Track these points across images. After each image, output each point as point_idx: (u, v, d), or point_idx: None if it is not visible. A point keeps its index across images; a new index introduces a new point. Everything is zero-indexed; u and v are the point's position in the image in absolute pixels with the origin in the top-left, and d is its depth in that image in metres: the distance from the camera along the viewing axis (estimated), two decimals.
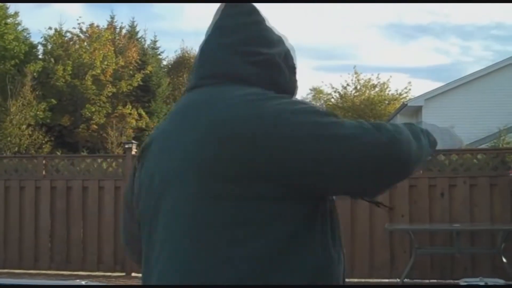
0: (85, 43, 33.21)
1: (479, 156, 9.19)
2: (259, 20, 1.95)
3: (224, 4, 1.95)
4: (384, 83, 44.51)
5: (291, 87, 1.94)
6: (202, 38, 1.99)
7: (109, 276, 9.74)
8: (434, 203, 8.97)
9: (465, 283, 8.19)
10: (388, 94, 44.36)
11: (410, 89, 45.25)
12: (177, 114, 1.85)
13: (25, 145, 27.15)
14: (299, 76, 2.02)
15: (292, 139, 1.62)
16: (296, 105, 1.72)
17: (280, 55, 1.91)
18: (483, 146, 19.77)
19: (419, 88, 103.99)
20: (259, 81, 1.82)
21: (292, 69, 1.96)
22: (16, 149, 26.50)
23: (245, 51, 1.85)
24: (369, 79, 44.95)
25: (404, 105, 30.57)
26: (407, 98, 38.32)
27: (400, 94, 43.53)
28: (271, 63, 1.87)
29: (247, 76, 1.82)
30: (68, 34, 33.54)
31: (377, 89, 44.65)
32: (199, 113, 1.74)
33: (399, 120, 31.56)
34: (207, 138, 1.66)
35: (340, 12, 78.20)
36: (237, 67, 1.83)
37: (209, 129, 1.67)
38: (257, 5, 2.00)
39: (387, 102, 43.68)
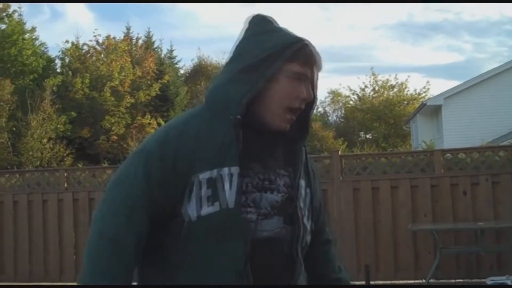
0: (102, 55, 33.43)
1: (501, 153, 9.11)
2: (248, 38, 2.13)
3: None
4: (402, 84, 44.38)
5: (244, 100, 2.02)
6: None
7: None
8: (457, 202, 8.90)
9: (492, 282, 8.13)
10: (406, 94, 44.17)
11: (428, 89, 45.17)
12: None
13: (46, 158, 27.36)
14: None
15: None
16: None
17: (246, 68, 2.05)
18: (505, 143, 19.62)
19: (434, 87, 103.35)
20: None
21: None
22: (38, 162, 26.71)
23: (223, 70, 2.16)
24: (387, 80, 44.89)
25: (423, 105, 30.45)
26: (426, 97, 38.11)
27: (419, 94, 43.36)
28: (228, 79, 2.09)
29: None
30: (85, 47, 33.80)
31: (395, 89, 44.51)
32: None
33: (419, 120, 31.44)
34: None
35: (348, 13, 78.01)
36: None
37: None
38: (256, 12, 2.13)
39: (406, 102, 43.51)
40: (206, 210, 1.89)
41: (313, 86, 2.05)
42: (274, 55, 1.97)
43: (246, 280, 1.87)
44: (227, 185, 1.90)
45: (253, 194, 1.96)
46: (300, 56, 1.99)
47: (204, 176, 1.91)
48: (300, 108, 2.02)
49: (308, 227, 2.11)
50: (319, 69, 2.07)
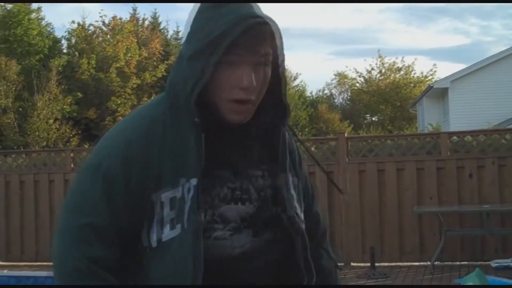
0: (108, 36, 33.36)
1: (507, 136, 9.09)
2: (197, 16, 1.77)
3: None
4: (409, 66, 44.22)
5: (195, 92, 1.69)
6: None
7: None
8: (463, 185, 8.89)
9: (496, 265, 8.15)
10: (413, 77, 44.04)
11: (435, 71, 45.00)
12: None
13: (53, 139, 27.42)
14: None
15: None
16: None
17: (195, 54, 1.73)
18: (511, 126, 19.58)
19: (441, 69, 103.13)
20: None
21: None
22: (44, 143, 26.78)
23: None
24: (394, 62, 44.69)
25: (430, 88, 30.35)
26: (433, 80, 38.00)
27: (426, 77, 43.20)
28: (181, 67, 1.81)
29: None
30: (91, 28, 33.73)
31: (402, 72, 44.36)
32: None
33: (426, 102, 31.37)
34: None
35: None
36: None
37: None
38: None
39: (412, 85, 43.38)
40: (168, 234, 1.66)
41: (265, 66, 1.70)
42: (217, 39, 1.62)
43: None
44: (187, 203, 1.66)
45: (221, 208, 1.71)
46: (245, 39, 1.63)
47: (167, 195, 1.67)
48: (247, 98, 1.67)
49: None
50: (277, 47, 1.71)
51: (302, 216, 1.85)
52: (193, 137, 1.66)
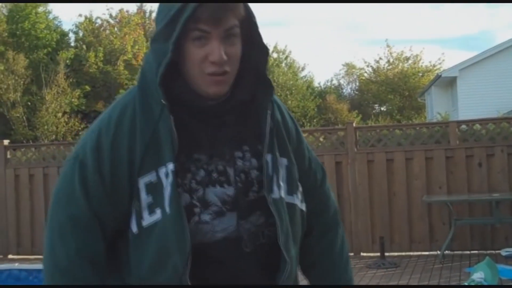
0: (115, 29, 33.40)
1: None
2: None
3: None
4: (417, 55, 44.03)
5: (159, 73, 1.64)
6: None
7: None
8: (472, 174, 8.87)
9: (507, 253, 8.12)
10: (421, 66, 43.86)
11: (444, 60, 44.85)
12: None
13: (62, 132, 27.52)
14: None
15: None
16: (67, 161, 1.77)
17: (155, 37, 1.70)
18: None
19: (449, 58, 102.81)
20: None
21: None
22: (54, 136, 26.89)
23: None
24: (402, 51, 44.49)
25: (438, 76, 30.23)
26: (441, 69, 37.84)
27: (434, 66, 43.02)
28: (148, 54, 1.77)
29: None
30: (98, 21, 33.76)
31: (410, 61, 44.19)
32: None
33: (434, 91, 31.26)
34: None
35: None
36: None
37: None
38: None
39: (420, 74, 43.21)
40: (147, 219, 1.64)
41: (234, 37, 1.65)
42: (175, 18, 1.60)
43: None
44: (166, 187, 1.63)
45: (198, 191, 1.67)
46: (204, 11, 1.59)
47: (142, 180, 1.65)
48: (221, 71, 1.63)
49: (298, 208, 1.81)
50: (243, 15, 1.67)
51: (296, 197, 1.80)
52: (163, 120, 1.64)
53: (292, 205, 1.78)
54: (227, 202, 1.69)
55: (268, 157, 1.74)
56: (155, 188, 1.64)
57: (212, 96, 1.66)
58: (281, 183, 1.76)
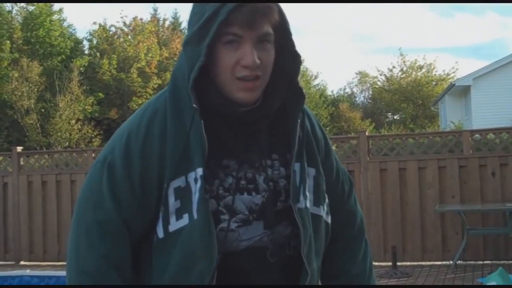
0: (129, 36, 33.54)
1: None
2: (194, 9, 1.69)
3: None
4: (430, 64, 43.95)
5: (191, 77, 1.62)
6: None
7: None
8: (485, 183, 8.82)
9: None
10: (435, 75, 43.77)
11: (457, 69, 44.72)
12: None
13: (75, 139, 27.62)
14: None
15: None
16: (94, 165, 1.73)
17: (188, 41, 1.66)
18: None
19: (462, 67, 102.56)
20: None
21: (189, 45, 1.66)
22: (67, 143, 26.98)
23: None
24: (415, 60, 44.44)
25: (452, 85, 30.11)
26: (455, 78, 37.71)
27: (448, 74, 42.92)
28: (181, 57, 1.74)
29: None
30: (112, 28, 33.93)
31: (423, 70, 44.11)
32: None
33: (448, 100, 31.17)
34: None
35: None
36: None
37: None
38: None
39: (434, 83, 43.11)
40: (175, 224, 1.62)
41: (267, 43, 1.63)
42: (208, 21, 1.58)
43: None
44: (194, 192, 1.62)
45: (226, 198, 1.64)
46: (238, 15, 1.57)
47: (172, 184, 1.63)
48: (253, 75, 1.60)
49: (323, 220, 1.79)
50: (278, 22, 1.64)
51: (322, 209, 1.78)
52: (194, 125, 1.62)
53: (317, 216, 1.76)
54: (254, 210, 1.66)
55: (296, 166, 1.72)
56: (183, 193, 1.62)
57: (242, 102, 1.63)
58: (307, 193, 1.74)
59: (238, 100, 1.63)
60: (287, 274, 1.69)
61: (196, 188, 1.61)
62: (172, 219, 1.62)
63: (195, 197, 1.61)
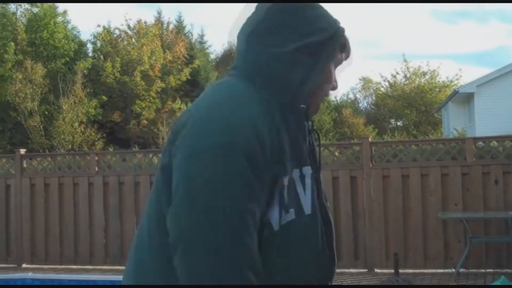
0: (133, 39, 33.59)
1: None
2: (295, 7, 1.72)
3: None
4: (434, 71, 43.95)
5: (306, 86, 1.69)
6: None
7: None
8: (488, 191, 8.80)
9: None
10: (438, 81, 43.76)
11: (461, 76, 44.67)
12: None
13: (78, 142, 27.65)
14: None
15: (179, 171, 1.55)
16: (204, 147, 1.52)
17: (307, 48, 1.68)
18: None
19: (465, 74, 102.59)
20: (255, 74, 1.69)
21: (320, 62, 1.71)
22: (70, 146, 27.01)
23: (262, 41, 1.70)
24: (419, 66, 44.45)
25: (455, 92, 30.12)
26: (458, 85, 37.71)
27: (451, 81, 42.91)
28: (286, 58, 1.68)
29: (250, 70, 1.71)
30: (116, 31, 33.98)
31: (427, 76, 44.10)
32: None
33: (451, 107, 31.15)
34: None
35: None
36: (247, 59, 1.72)
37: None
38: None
39: (437, 89, 43.10)
40: (285, 217, 1.59)
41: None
42: (332, 40, 1.70)
43: None
44: (300, 189, 1.65)
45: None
46: (347, 47, 1.78)
47: (287, 177, 1.62)
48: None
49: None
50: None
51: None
52: (303, 125, 1.72)
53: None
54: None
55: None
56: (291, 188, 1.64)
57: (311, 115, 1.78)
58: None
59: (312, 112, 1.78)
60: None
61: (306, 185, 1.69)
62: (283, 211, 1.61)
63: (305, 193, 1.68)
